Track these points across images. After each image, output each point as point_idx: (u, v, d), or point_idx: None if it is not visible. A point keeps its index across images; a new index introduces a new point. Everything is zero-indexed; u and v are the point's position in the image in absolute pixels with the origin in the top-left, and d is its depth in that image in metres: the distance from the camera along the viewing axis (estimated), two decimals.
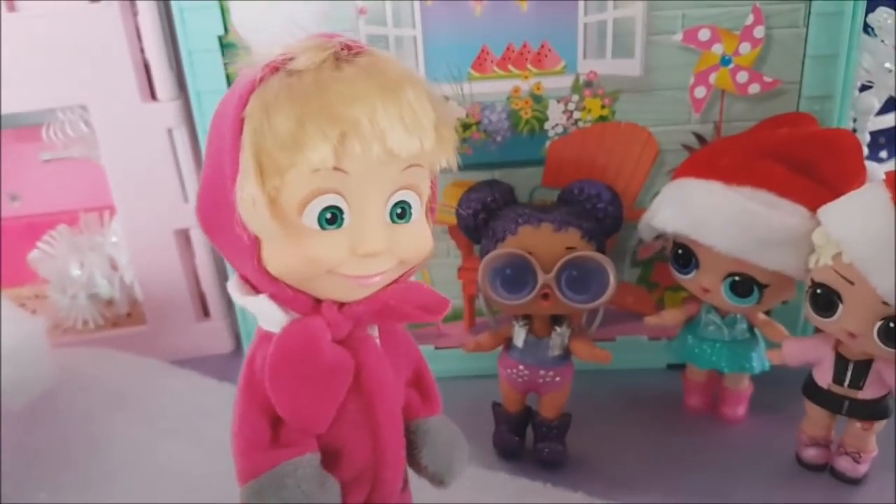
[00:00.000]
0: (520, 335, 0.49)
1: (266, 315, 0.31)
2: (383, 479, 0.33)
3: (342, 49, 0.29)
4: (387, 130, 0.27)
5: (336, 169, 0.27)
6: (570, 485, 0.47)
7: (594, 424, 0.53)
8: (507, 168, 0.54)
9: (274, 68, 0.28)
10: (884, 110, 0.59)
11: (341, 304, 0.31)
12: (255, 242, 0.29)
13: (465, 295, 0.58)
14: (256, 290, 0.30)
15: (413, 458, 0.35)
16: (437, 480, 0.35)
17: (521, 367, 0.49)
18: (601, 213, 0.49)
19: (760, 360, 0.51)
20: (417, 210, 0.31)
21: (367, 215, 0.29)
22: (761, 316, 0.51)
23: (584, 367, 0.50)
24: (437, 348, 0.60)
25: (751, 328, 0.51)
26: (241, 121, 0.27)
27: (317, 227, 0.28)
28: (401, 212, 0.30)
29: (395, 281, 0.31)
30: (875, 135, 0.61)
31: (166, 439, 0.53)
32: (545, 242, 0.47)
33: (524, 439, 0.52)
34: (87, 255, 0.63)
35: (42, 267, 0.65)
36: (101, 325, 0.65)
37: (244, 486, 0.30)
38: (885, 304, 0.40)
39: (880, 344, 0.41)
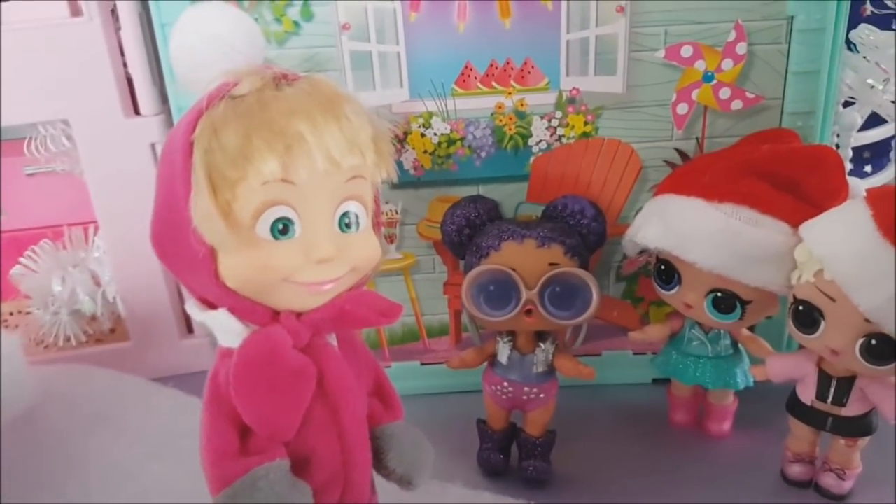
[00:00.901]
0: (504, 351, 0.49)
1: (225, 329, 0.32)
2: (353, 482, 0.34)
3: (280, 77, 0.31)
4: (329, 142, 0.29)
5: (284, 181, 0.29)
6: (555, 503, 0.47)
7: (579, 441, 0.53)
8: (492, 183, 0.54)
9: (216, 96, 0.30)
10: (867, 126, 0.59)
11: (299, 314, 0.32)
12: (211, 256, 0.30)
13: (451, 310, 0.58)
14: (213, 307, 0.32)
15: (380, 463, 0.36)
16: (406, 482, 0.36)
17: (505, 383, 0.49)
18: (585, 228, 0.49)
19: (744, 375, 0.51)
20: (364, 219, 0.33)
21: (317, 224, 0.31)
22: (745, 332, 0.51)
23: (569, 382, 0.50)
24: (422, 364, 0.60)
25: (735, 344, 0.51)
26: (191, 144, 0.29)
27: (270, 237, 0.30)
28: (348, 221, 0.32)
29: (349, 289, 0.33)
30: (859, 150, 0.61)
31: (149, 460, 0.52)
32: (528, 258, 0.47)
33: (509, 457, 0.51)
34: (70, 271, 0.63)
35: (24, 283, 0.64)
36: (83, 342, 0.64)
37: (218, 496, 0.31)
38: (867, 321, 0.40)
39: (862, 361, 0.41)
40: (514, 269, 0.46)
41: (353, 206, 0.32)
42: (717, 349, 0.51)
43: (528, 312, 0.47)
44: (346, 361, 0.34)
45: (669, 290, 0.50)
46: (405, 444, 0.36)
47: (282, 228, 0.30)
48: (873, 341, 0.41)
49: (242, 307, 0.31)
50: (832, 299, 0.41)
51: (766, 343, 0.51)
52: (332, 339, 0.34)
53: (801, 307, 0.43)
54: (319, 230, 0.30)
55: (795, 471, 0.48)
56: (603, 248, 0.55)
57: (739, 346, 0.52)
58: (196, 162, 0.29)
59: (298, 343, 0.31)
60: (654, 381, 0.58)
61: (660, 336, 0.53)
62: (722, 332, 0.51)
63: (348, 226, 0.32)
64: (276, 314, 0.31)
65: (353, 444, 0.33)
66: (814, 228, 0.43)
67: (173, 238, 0.31)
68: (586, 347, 0.57)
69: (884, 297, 0.39)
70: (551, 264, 0.47)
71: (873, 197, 0.41)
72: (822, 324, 0.42)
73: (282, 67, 0.32)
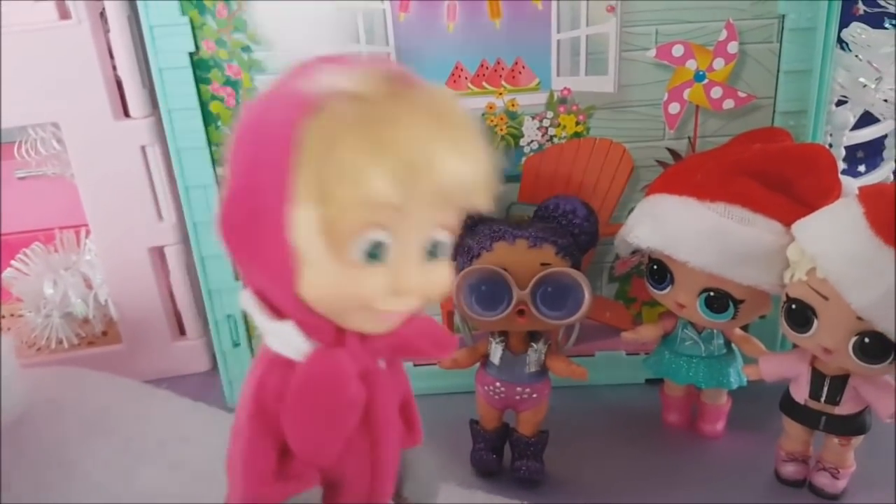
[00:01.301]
0: (496, 352, 0.49)
1: (287, 341, 0.30)
2: None
3: (397, 77, 0.28)
4: (450, 172, 0.27)
5: (391, 205, 0.27)
6: (548, 503, 0.47)
7: (572, 441, 0.53)
8: None
9: (331, 94, 0.27)
10: (859, 125, 0.59)
11: (363, 337, 0.30)
12: (295, 266, 0.27)
13: (444, 311, 0.58)
14: (278, 312, 0.30)
15: (394, 490, 0.35)
16: None
17: (497, 383, 0.49)
18: (576, 228, 0.49)
19: (738, 375, 0.51)
20: (448, 249, 0.30)
21: (410, 253, 0.28)
22: (738, 331, 0.51)
23: (562, 382, 0.50)
24: (415, 365, 0.59)
25: (728, 343, 0.51)
26: (296, 144, 0.26)
27: (362, 260, 0.27)
28: (435, 250, 0.29)
29: (411, 315, 0.31)
30: (852, 149, 0.61)
31: (142, 463, 0.52)
32: (520, 259, 0.47)
33: (502, 457, 0.51)
34: (61, 274, 0.62)
35: (15, 286, 0.64)
36: (75, 345, 0.64)
37: None
38: (860, 319, 0.40)
39: (855, 359, 0.41)
40: (505, 270, 0.46)
41: (444, 235, 0.29)
42: (709, 349, 0.51)
43: (520, 312, 0.47)
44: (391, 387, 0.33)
45: (662, 289, 0.49)
46: (421, 474, 0.36)
47: (374, 253, 0.27)
48: (866, 339, 0.40)
49: (311, 322, 0.29)
50: (825, 298, 0.41)
51: (759, 342, 0.51)
52: (382, 363, 0.33)
53: (793, 306, 0.43)
54: (410, 259, 0.28)
55: (789, 470, 0.48)
56: (595, 249, 0.55)
57: (732, 345, 0.51)
58: (303, 168, 0.26)
59: (359, 369, 0.30)
60: (648, 381, 0.58)
61: (652, 336, 0.52)
62: (715, 331, 0.51)
63: (433, 254, 0.29)
64: (340, 333, 0.30)
65: (384, 474, 0.33)
66: (806, 227, 0.43)
67: (252, 231, 0.28)
68: (579, 348, 0.57)
69: (876, 295, 0.39)
70: (543, 264, 0.47)
71: (865, 195, 0.41)
72: (815, 322, 0.42)
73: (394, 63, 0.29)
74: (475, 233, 0.49)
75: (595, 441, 0.53)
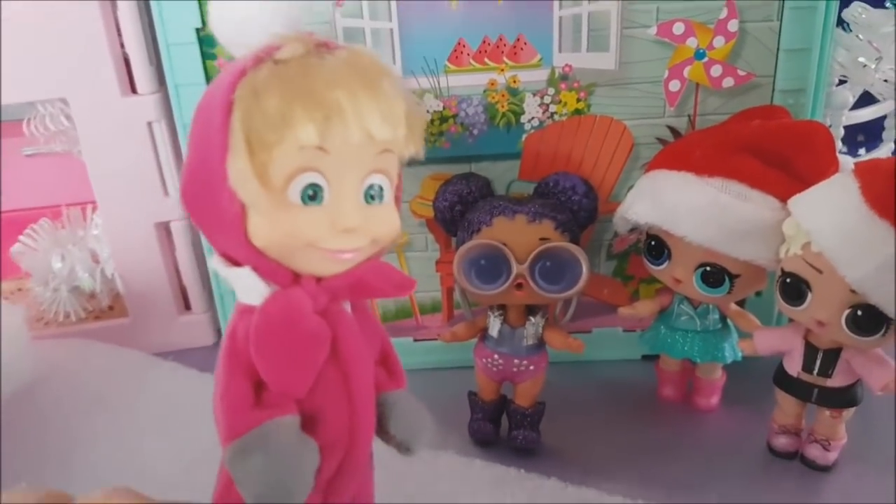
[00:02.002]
0: (495, 325, 0.50)
1: (247, 286, 0.32)
2: (356, 444, 0.35)
3: (322, 46, 0.31)
4: (365, 114, 0.30)
5: (319, 148, 0.30)
6: (543, 471, 0.48)
7: (569, 414, 0.54)
8: (484, 161, 0.55)
9: (259, 59, 0.30)
10: (859, 105, 0.59)
11: (319, 279, 0.33)
12: (242, 215, 0.31)
13: (444, 287, 0.59)
14: (237, 264, 0.32)
15: (381, 429, 0.37)
16: (405, 448, 0.37)
17: (495, 356, 0.50)
18: (576, 205, 0.50)
19: (732, 349, 0.52)
20: (388, 193, 0.33)
21: (345, 194, 0.31)
22: (733, 306, 0.52)
23: (560, 358, 0.51)
24: (415, 340, 0.60)
25: (723, 318, 0.52)
26: (231, 103, 0.30)
27: (300, 202, 0.30)
28: (373, 193, 0.32)
29: (368, 260, 0.34)
30: (852, 130, 0.62)
31: (148, 434, 0.53)
32: (519, 234, 0.47)
33: (499, 427, 0.52)
34: (69, 249, 0.63)
35: (24, 260, 0.65)
36: (82, 318, 0.65)
37: (229, 445, 0.31)
38: (853, 292, 0.41)
39: (848, 332, 0.42)
40: (505, 244, 0.47)
41: (379, 179, 0.32)
42: (705, 324, 0.52)
43: (519, 286, 0.48)
44: (359, 329, 0.35)
45: (659, 265, 0.50)
46: (406, 411, 0.37)
47: (311, 195, 0.30)
48: (859, 312, 0.41)
49: (266, 267, 0.32)
50: (819, 271, 0.42)
51: (753, 317, 0.51)
52: (347, 307, 0.35)
53: (788, 279, 0.43)
54: (346, 200, 0.31)
55: (782, 442, 0.49)
56: (594, 227, 0.56)
57: (728, 320, 0.52)
58: (235, 122, 0.29)
59: (316, 307, 0.32)
60: (644, 357, 0.59)
61: (649, 311, 0.53)
62: (710, 306, 0.51)
63: (373, 198, 0.32)
64: (297, 277, 0.32)
65: (361, 408, 0.34)
66: (802, 202, 0.43)
67: (205, 194, 0.31)
68: (577, 324, 0.58)
69: (870, 269, 0.40)
70: (542, 239, 0.47)
71: (861, 170, 0.41)
72: (809, 296, 0.43)
73: (323, 36, 0.32)
74: (475, 208, 0.50)
75: (591, 414, 0.54)
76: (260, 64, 0.30)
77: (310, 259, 0.32)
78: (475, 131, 0.54)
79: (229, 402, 0.32)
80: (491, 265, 0.47)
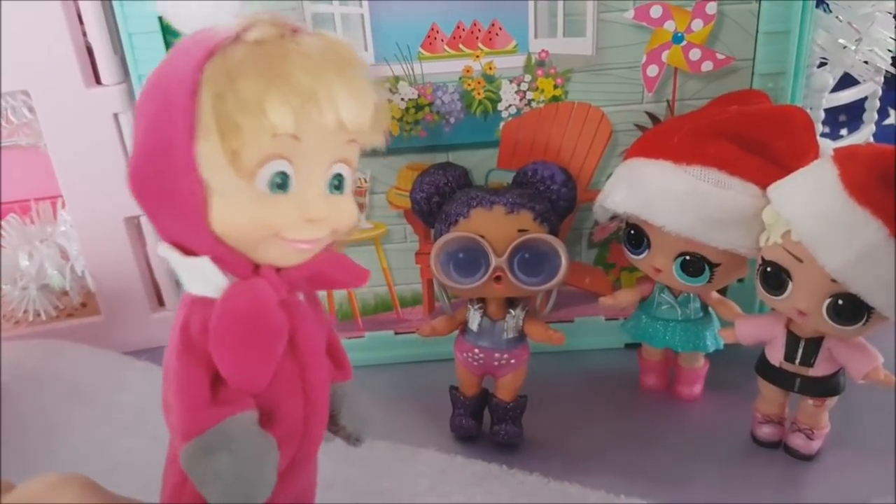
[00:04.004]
0: (475, 319, 0.49)
1: (204, 277, 0.31)
2: (311, 436, 0.34)
3: (292, 29, 0.31)
4: (340, 103, 0.29)
5: (291, 136, 0.29)
6: (526, 466, 0.47)
7: (551, 406, 0.53)
8: (462, 150, 0.54)
9: (229, 39, 0.29)
10: (840, 87, 0.59)
11: (278, 269, 0.32)
12: (205, 201, 0.29)
13: (424, 280, 0.58)
14: (191, 254, 0.31)
15: (332, 420, 0.37)
16: (355, 439, 0.38)
17: (476, 350, 0.49)
18: (555, 194, 0.49)
19: (714, 338, 0.51)
20: (349, 183, 0.33)
21: (312, 182, 0.31)
22: (715, 295, 0.51)
23: (542, 348, 0.50)
24: (396, 333, 0.59)
25: (704, 307, 0.51)
26: (197, 84, 0.28)
27: (267, 190, 0.30)
28: (337, 183, 0.32)
29: (324, 250, 0.33)
30: (834, 112, 0.61)
31: (122, 434, 0.52)
32: (498, 225, 0.46)
33: (481, 422, 0.51)
34: (37, 246, 0.62)
35: None
36: (53, 317, 0.63)
37: (188, 443, 0.30)
38: (834, 281, 0.40)
39: (829, 321, 0.41)
40: (483, 236, 0.46)
41: (343, 169, 0.32)
42: (686, 312, 0.51)
43: (498, 279, 0.47)
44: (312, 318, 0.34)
45: (639, 254, 0.49)
46: (356, 402, 0.37)
47: (279, 183, 0.30)
48: (840, 301, 0.41)
49: (226, 257, 0.31)
50: (799, 260, 0.41)
51: (735, 306, 0.51)
52: (302, 297, 0.35)
53: (768, 269, 0.43)
54: (313, 189, 0.31)
55: (765, 432, 0.49)
56: (574, 215, 0.55)
57: (709, 309, 0.52)
58: (205, 105, 0.28)
59: (277, 298, 0.32)
60: (627, 345, 0.58)
61: (630, 301, 0.52)
62: (691, 295, 0.51)
63: (336, 187, 0.32)
64: (256, 268, 0.32)
65: (316, 401, 0.34)
66: (781, 189, 0.43)
67: (160, 178, 0.30)
68: (559, 314, 0.58)
69: (850, 257, 0.39)
70: (520, 230, 0.46)
71: (840, 156, 0.41)
72: (790, 285, 0.42)
73: (290, 19, 0.31)
74: (452, 199, 0.49)
75: (573, 405, 0.54)
76: (231, 44, 0.29)
77: (272, 248, 0.31)
78: (452, 119, 0.53)
79: (186, 399, 0.31)
80: (469, 258, 0.46)
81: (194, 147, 0.28)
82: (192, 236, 0.30)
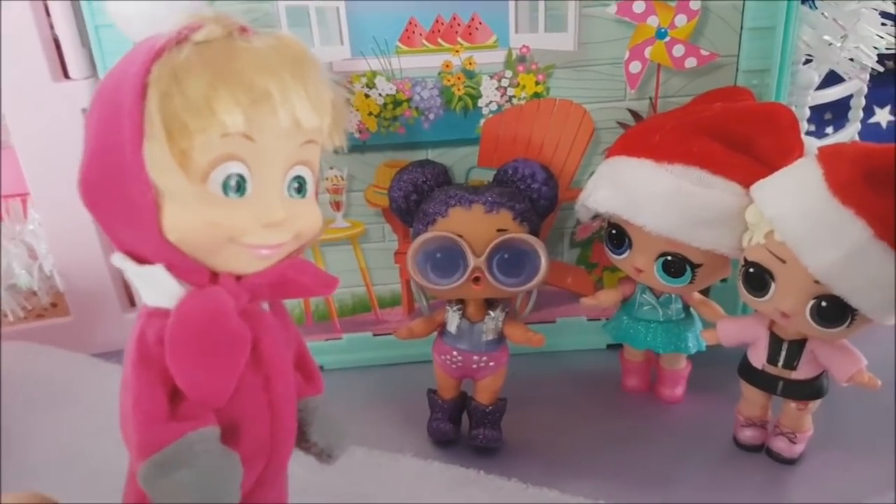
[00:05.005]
0: (453, 320, 0.48)
1: (158, 286, 0.30)
2: (278, 452, 0.33)
3: (241, 30, 0.30)
4: (294, 102, 0.28)
5: (244, 136, 0.28)
6: (504, 471, 0.46)
7: (531, 408, 0.52)
8: (442, 147, 0.52)
9: (176, 39, 0.28)
10: (825, 85, 0.58)
11: (238, 277, 0.31)
12: (157, 207, 0.28)
13: (403, 280, 0.57)
14: (145, 262, 0.30)
15: (302, 436, 0.35)
16: (326, 455, 0.36)
17: (454, 352, 0.48)
18: (536, 193, 0.48)
19: (696, 340, 0.50)
20: (311, 186, 0.32)
21: (269, 185, 0.30)
22: (697, 295, 0.50)
23: (523, 349, 0.49)
24: (375, 335, 0.58)
25: (686, 308, 0.51)
26: (144, 87, 0.28)
27: (221, 193, 0.29)
28: (298, 186, 0.31)
29: (288, 256, 0.32)
30: (820, 110, 0.60)
31: (93, 437, 0.50)
32: (476, 225, 0.45)
33: (460, 426, 0.50)
34: (4, 245, 0.60)
35: None
36: (22, 318, 0.62)
37: (146, 462, 0.29)
38: (817, 283, 0.39)
39: (813, 323, 0.41)
40: (461, 236, 0.45)
41: (303, 171, 0.31)
42: (668, 313, 0.50)
43: (476, 280, 0.45)
44: (279, 330, 0.33)
45: (620, 254, 0.48)
46: (327, 417, 0.36)
47: (234, 186, 0.29)
48: (823, 303, 0.40)
49: (182, 264, 0.29)
50: (782, 261, 0.40)
51: (717, 307, 0.50)
52: (266, 306, 0.33)
53: (751, 269, 0.42)
54: (271, 192, 0.30)
55: (747, 435, 0.48)
56: (556, 214, 0.54)
57: (691, 309, 0.51)
58: (152, 107, 0.27)
59: (237, 307, 0.30)
60: (609, 346, 0.58)
61: (611, 301, 0.51)
62: (673, 296, 0.50)
63: (297, 191, 0.31)
64: (214, 276, 0.30)
65: (283, 414, 0.33)
66: (764, 188, 0.42)
67: (111, 184, 0.29)
68: (541, 314, 0.57)
69: (834, 258, 0.38)
70: (500, 230, 0.45)
71: (825, 155, 0.40)
72: (773, 286, 0.41)
73: (238, 20, 0.30)
74: (431, 198, 0.47)
75: (554, 407, 0.53)
76: (178, 45, 0.28)
77: (230, 255, 0.30)
78: (431, 116, 0.51)
79: (144, 415, 0.29)
80: (447, 258, 0.45)
81: (143, 149, 0.28)
82: (145, 243, 0.29)
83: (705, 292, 0.52)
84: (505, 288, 0.46)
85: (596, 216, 0.50)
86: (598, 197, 0.47)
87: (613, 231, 0.48)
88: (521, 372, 0.52)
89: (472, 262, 0.45)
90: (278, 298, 0.34)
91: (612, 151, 0.48)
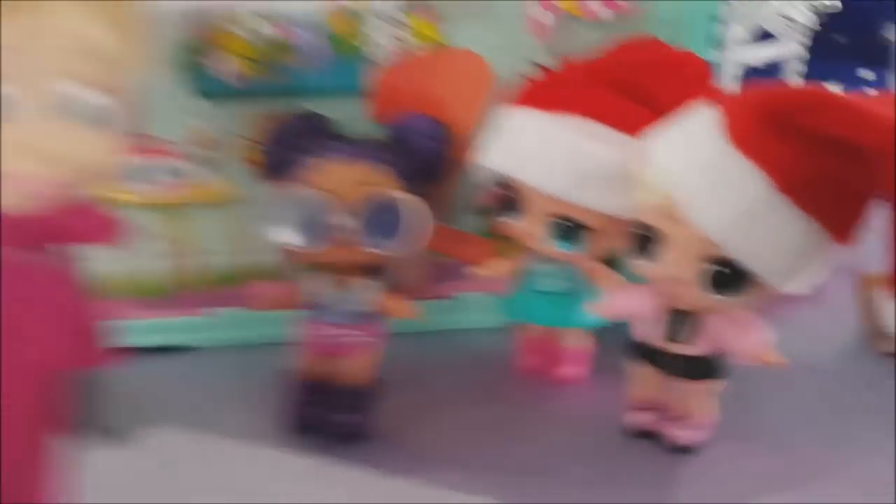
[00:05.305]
0: (320, 290, 0.43)
1: None
2: (23, 436, 0.29)
3: None
4: (58, 7, 0.26)
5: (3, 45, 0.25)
6: (370, 461, 0.41)
7: (414, 392, 0.47)
8: (330, 98, 0.47)
9: None
10: (755, 42, 0.53)
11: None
12: None
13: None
14: None
15: (84, 414, 0.31)
16: (113, 436, 0.33)
17: (321, 326, 0.43)
18: (427, 150, 0.44)
19: (595, 313, 0.45)
20: (91, 108, 0.27)
21: (29, 103, 0.26)
22: (595, 265, 0.45)
23: (418, 328, 0.45)
24: (243, 310, 0.52)
25: (585, 278, 0.46)
26: None
27: None
28: (72, 107, 0.27)
29: (69, 197, 0.28)
30: (752, 70, 0.55)
31: None
32: (346, 180, 0.41)
33: (327, 411, 0.44)
34: None
35: None
36: None
37: None
38: (710, 244, 0.35)
39: (706, 291, 0.36)
40: (329, 192, 0.40)
41: (76, 89, 0.27)
42: (564, 285, 0.45)
43: (344, 243, 0.41)
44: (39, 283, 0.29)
45: (512, 218, 0.44)
46: (110, 394, 0.32)
47: None
48: (717, 268, 0.35)
49: None
50: (672, 220, 0.36)
51: (617, 276, 0.45)
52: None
53: (640, 231, 0.37)
54: (32, 110, 0.26)
55: (641, 420, 0.43)
56: (457, 177, 0.49)
57: (591, 281, 0.46)
58: None
59: None
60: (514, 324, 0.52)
61: (505, 271, 0.47)
62: (570, 264, 0.45)
63: (73, 112, 0.27)
64: None
65: (19, 391, 0.28)
66: (656, 140, 0.37)
67: None
68: (441, 289, 0.52)
69: (729, 216, 0.34)
70: (372, 187, 0.41)
71: (721, 101, 0.35)
72: (663, 249, 0.37)
73: None
74: (300, 151, 0.43)
75: (440, 391, 0.48)
76: None
77: None
78: (316, 62, 0.47)
79: None
80: (309, 218, 0.40)
81: None
82: None
83: (613, 263, 0.47)
84: (378, 252, 0.41)
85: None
86: (489, 155, 0.43)
87: (505, 192, 0.44)
88: (410, 352, 0.48)
89: (339, 222, 0.40)
90: (48, 244, 0.29)
91: (508, 104, 0.44)
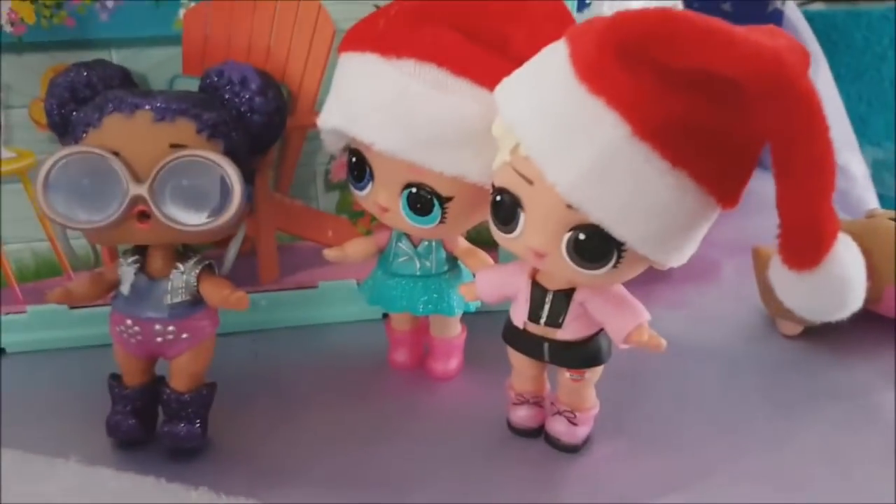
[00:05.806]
0: (127, 277, 0.35)
1: None
2: None
3: None
4: None
5: None
6: (199, 478, 0.34)
7: (261, 397, 0.40)
8: (130, 47, 0.40)
9: None
10: None
11: None
12: None
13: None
14: None
15: None
16: None
17: (129, 321, 0.35)
18: (247, 105, 0.37)
19: (463, 299, 0.39)
20: None
21: None
22: (463, 243, 0.39)
23: (273, 323, 0.40)
24: (70, 308, 0.44)
25: (452, 259, 0.40)
26: None
27: None
28: None
29: None
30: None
31: None
32: (141, 138, 0.34)
33: (151, 421, 0.37)
34: None
35: None
36: None
37: None
38: (571, 207, 0.29)
39: (571, 263, 0.30)
40: (117, 154, 0.33)
41: None
42: (427, 266, 0.39)
43: (143, 216, 0.33)
44: None
45: (362, 188, 0.37)
46: None
47: None
48: (581, 235, 0.30)
49: None
50: (529, 182, 0.30)
51: (487, 256, 0.39)
52: None
53: (498, 197, 0.31)
54: None
55: (520, 416, 0.37)
56: (301, 145, 0.43)
57: (458, 262, 0.40)
58: None
59: None
60: (386, 316, 0.46)
61: (361, 253, 0.40)
62: (434, 244, 0.39)
63: None
64: None
65: None
66: (506, 87, 0.31)
67: None
68: (298, 278, 0.45)
69: (582, 169, 0.28)
70: (174, 146, 0.33)
71: (572, 33, 0.29)
72: (522, 216, 0.31)
73: None
74: (86, 104, 0.35)
75: (291, 395, 0.41)
76: None
77: None
78: (109, 3, 0.38)
79: None
80: (95, 186, 0.33)
81: None
82: None
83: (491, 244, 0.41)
84: (182, 228, 0.33)
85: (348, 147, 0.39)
86: (325, 111, 0.36)
87: (354, 158, 0.37)
88: (265, 351, 0.42)
89: (132, 190, 0.32)
90: None
91: (340, 48, 0.37)
